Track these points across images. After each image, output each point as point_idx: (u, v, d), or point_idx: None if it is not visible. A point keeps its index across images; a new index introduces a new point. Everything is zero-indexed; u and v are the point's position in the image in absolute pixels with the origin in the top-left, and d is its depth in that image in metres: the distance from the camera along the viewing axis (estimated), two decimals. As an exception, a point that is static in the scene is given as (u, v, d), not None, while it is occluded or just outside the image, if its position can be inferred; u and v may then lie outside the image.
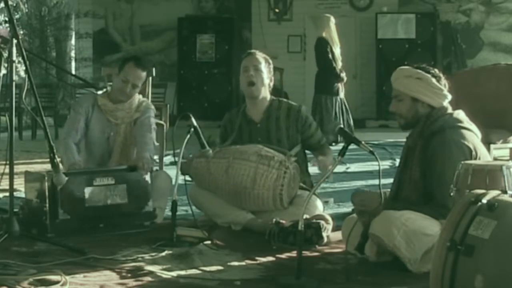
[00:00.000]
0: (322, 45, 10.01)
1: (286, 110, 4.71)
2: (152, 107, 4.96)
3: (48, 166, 4.06)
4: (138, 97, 4.90)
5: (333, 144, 9.06)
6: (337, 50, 10.02)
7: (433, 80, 3.68)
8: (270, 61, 4.78)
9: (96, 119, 4.83)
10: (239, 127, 4.72)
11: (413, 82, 3.69)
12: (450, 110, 3.72)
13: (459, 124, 3.65)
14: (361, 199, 3.70)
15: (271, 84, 4.76)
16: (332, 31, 10.03)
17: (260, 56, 4.73)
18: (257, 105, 4.71)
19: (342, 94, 10.22)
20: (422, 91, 3.68)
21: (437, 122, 3.64)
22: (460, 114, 3.73)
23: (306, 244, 3.74)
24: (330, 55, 9.90)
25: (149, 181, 4.51)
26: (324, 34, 10.00)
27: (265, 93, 4.71)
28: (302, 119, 4.68)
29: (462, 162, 3.29)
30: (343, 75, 10.04)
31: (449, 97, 3.72)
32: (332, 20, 10.09)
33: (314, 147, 4.74)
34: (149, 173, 4.51)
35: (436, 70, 3.76)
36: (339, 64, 10.01)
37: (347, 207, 5.15)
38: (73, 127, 4.80)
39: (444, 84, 3.72)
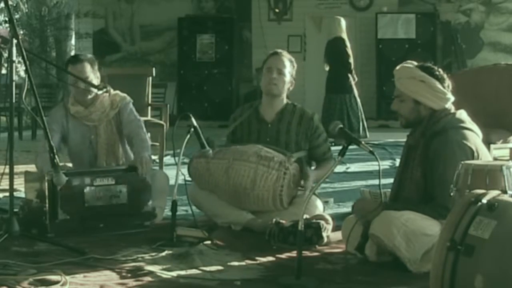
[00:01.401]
0: (341, 44, 10.21)
1: (299, 116, 4.68)
2: (128, 97, 4.85)
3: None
4: (107, 92, 4.79)
5: (333, 144, 9.10)
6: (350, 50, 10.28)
7: (437, 83, 3.66)
8: (295, 64, 4.73)
9: (73, 128, 4.76)
10: (247, 122, 4.69)
11: (416, 85, 3.67)
12: (453, 110, 3.71)
13: (462, 125, 3.64)
14: (360, 207, 3.71)
15: (292, 88, 4.72)
16: (344, 33, 10.26)
17: (286, 58, 4.67)
18: (273, 104, 4.69)
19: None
20: (424, 94, 3.66)
21: (439, 122, 3.64)
22: (463, 114, 3.72)
23: (306, 244, 3.74)
24: (348, 53, 10.14)
25: (150, 182, 4.50)
26: (339, 34, 10.20)
27: (283, 95, 4.69)
28: (313, 127, 4.66)
29: (462, 162, 3.29)
30: (355, 75, 10.30)
31: (452, 99, 3.71)
32: (343, 21, 10.32)
33: (318, 158, 4.71)
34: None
35: (441, 71, 3.73)
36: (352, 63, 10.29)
37: (347, 207, 5.15)
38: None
39: (447, 86, 3.70)
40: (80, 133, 4.77)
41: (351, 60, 10.32)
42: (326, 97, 10.57)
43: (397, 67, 3.81)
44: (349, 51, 10.31)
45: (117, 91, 4.86)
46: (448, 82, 3.72)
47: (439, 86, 3.67)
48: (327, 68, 10.52)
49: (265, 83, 4.65)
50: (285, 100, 4.72)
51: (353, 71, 10.37)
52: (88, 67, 4.70)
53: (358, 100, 10.43)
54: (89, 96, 4.71)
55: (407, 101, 3.71)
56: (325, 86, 10.66)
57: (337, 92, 10.41)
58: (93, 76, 4.72)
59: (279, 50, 4.76)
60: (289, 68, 4.65)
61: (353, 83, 10.35)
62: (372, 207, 3.62)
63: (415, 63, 3.77)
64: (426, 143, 3.63)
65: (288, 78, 4.65)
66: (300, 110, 4.71)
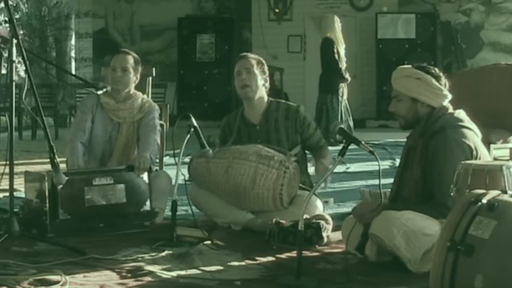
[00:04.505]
0: (328, 45, 10.14)
1: (285, 111, 4.70)
2: (157, 107, 4.97)
3: (48, 166, 4.06)
4: (141, 97, 4.91)
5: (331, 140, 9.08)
6: (342, 50, 10.15)
7: (433, 80, 3.67)
8: (263, 61, 4.76)
9: (99, 118, 4.84)
10: (237, 131, 4.72)
11: (413, 83, 3.68)
12: (451, 109, 3.71)
13: (460, 124, 3.64)
14: (360, 213, 3.71)
15: (267, 85, 4.73)
16: (337, 31, 10.16)
17: (252, 58, 4.71)
18: (255, 107, 4.70)
19: (345, 96, 10.33)
20: (421, 91, 3.67)
21: (438, 121, 3.64)
22: (461, 113, 3.72)
23: (306, 244, 3.74)
24: (336, 55, 10.04)
25: (147, 181, 4.50)
26: (329, 34, 10.12)
27: (261, 93, 4.69)
28: (300, 119, 4.68)
29: (462, 162, 3.29)
30: (347, 75, 10.18)
31: (449, 96, 3.71)
32: (337, 20, 10.22)
33: (313, 148, 4.74)
34: (146, 173, 4.51)
35: (436, 70, 3.75)
36: (343, 65, 10.13)
37: (347, 207, 5.16)
38: (79, 127, 4.82)
39: (444, 84, 3.71)
40: (103, 125, 4.83)
41: (339, 60, 10.15)
42: None
43: (394, 71, 3.82)
44: (338, 51, 10.12)
45: (149, 99, 5.01)
46: (444, 80, 3.72)
47: (435, 83, 3.67)
48: None
49: (238, 88, 4.68)
50: (266, 99, 4.73)
51: (341, 71, 10.17)
52: (131, 60, 4.85)
53: (342, 101, 10.32)
54: (124, 92, 4.82)
55: (404, 100, 3.71)
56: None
57: (320, 90, 10.41)
58: (134, 73, 4.85)
59: (244, 54, 4.83)
60: (257, 66, 4.67)
61: (342, 84, 10.23)
62: (372, 208, 3.61)
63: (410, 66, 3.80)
64: (425, 142, 3.62)
65: (258, 76, 4.66)
66: (284, 105, 4.74)
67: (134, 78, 4.86)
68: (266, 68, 4.75)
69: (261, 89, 4.69)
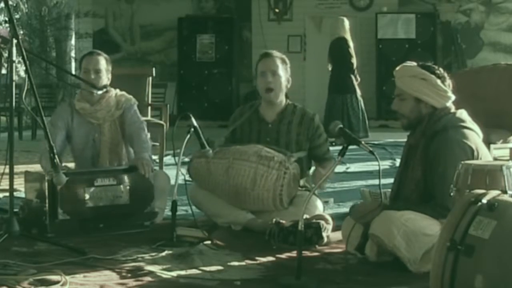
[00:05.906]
0: (343, 45, 10.27)
1: (300, 116, 4.68)
2: (133, 99, 4.88)
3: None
4: (113, 92, 4.82)
5: (333, 144, 9.11)
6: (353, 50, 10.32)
7: (438, 81, 3.65)
8: (287, 60, 4.72)
9: (78, 125, 4.78)
10: (248, 122, 4.69)
11: (418, 83, 3.66)
12: (453, 109, 3.70)
13: (462, 124, 3.63)
14: (359, 213, 3.70)
15: (289, 85, 4.71)
16: (347, 33, 10.30)
17: (277, 58, 4.66)
18: (273, 107, 4.69)
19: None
20: (426, 92, 3.65)
21: (440, 121, 3.63)
22: (463, 113, 3.71)
23: (306, 244, 3.74)
24: (351, 54, 10.18)
25: (152, 182, 4.50)
26: (342, 35, 10.25)
27: (282, 95, 4.68)
28: (314, 127, 4.67)
29: (462, 162, 3.28)
30: (358, 75, 10.36)
31: (453, 98, 3.70)
32: (346, 21, 10.38)
33: (318, 159, 4.72)
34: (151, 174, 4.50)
35: (441, 70, 3.72)
36: (355, 63, 10.33)
37: (347, 207, 5.14)
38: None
39: (448, 85, 3.69)
40: (84, 130, 4.78)
41: (354, 60, 10.35)
42: (329, 97, 10.61)
43: (398, 67, 3.80)
44: (352, 52, 10.34)
45: (123, 92, 4.90)
46: (449, 81, 3.70)
47: (441, 84, 3.66)
48: (330, 68, 10.55)
49: (261, 88, 4.65)
50: (284, 101, 4.72)
51: (356, 72, 10.39)
52: (103, 62, 4.78)
53: (361, 100, 10.47)
54: (97, 90, 4.73)
55: (408, 99, 3.69)
56: (327, 86, 10.70)
57: (339, 92, 10.46)
58: (105, 73, 4.79)
59: (269, 51, 4.75)
60: (282, 67, 4.64)
61: (355, 83, 10.39)
62: (372, 208, 3.61)
63: (415, 63, 3.77)
64: (426, 142, 3.62)
65: (283, 78, 4.64)
66: (300, 111, 4.72)
67: (106, 79, 4.80)
68: (289, 66, 4.71)
69: (283, 92, 4.67)
